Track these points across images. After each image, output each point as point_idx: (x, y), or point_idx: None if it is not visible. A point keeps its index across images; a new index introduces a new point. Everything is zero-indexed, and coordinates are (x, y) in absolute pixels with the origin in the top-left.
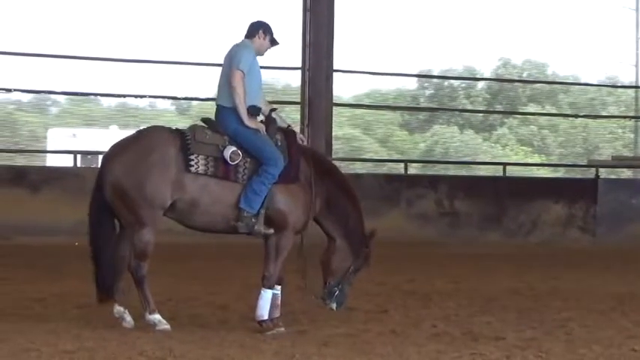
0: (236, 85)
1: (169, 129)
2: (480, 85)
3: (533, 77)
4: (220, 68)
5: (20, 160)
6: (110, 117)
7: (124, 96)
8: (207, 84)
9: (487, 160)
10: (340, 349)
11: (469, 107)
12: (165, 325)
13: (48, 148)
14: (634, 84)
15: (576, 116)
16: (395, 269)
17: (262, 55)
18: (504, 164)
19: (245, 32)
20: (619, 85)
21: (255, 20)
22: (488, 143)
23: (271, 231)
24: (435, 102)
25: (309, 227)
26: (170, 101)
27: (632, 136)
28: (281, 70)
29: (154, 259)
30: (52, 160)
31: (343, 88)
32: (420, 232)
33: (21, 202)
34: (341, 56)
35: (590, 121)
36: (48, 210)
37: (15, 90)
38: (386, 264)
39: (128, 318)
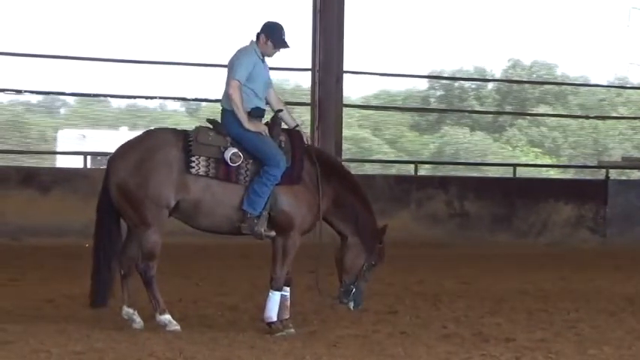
0: (232, 93)
1: (174, 130)
2: (490, 86)
3: (543, 78)
4: None
5: (30, 162)
6: (120, 118)
7: (134, 97)
8: (216, 85)
9: (497, 161)
10: (350, 350)
11: (479, 108)
12: (175, 326)
13: (58, 150)
14: None
15: (586, 117)
16: (405, 270)
17: (270, 57)
18: (514, 165)
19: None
20: (628, 86)
21: (265, 22)
22: (498, 144)
23: (273, 234)
24: (445, 103)
25: (325, 229)
26: (180, 102)
27: None
28: (291, 71)
29: (162, 259)
30: (62, 161)
31: (352, 89)
32: (430, 233)
33: (31, 203)
34: (351, 57)
35: (599, 122)
36: (58, 211)
37: (25, 91)
38: (396, 265)
39: (137, 319)
